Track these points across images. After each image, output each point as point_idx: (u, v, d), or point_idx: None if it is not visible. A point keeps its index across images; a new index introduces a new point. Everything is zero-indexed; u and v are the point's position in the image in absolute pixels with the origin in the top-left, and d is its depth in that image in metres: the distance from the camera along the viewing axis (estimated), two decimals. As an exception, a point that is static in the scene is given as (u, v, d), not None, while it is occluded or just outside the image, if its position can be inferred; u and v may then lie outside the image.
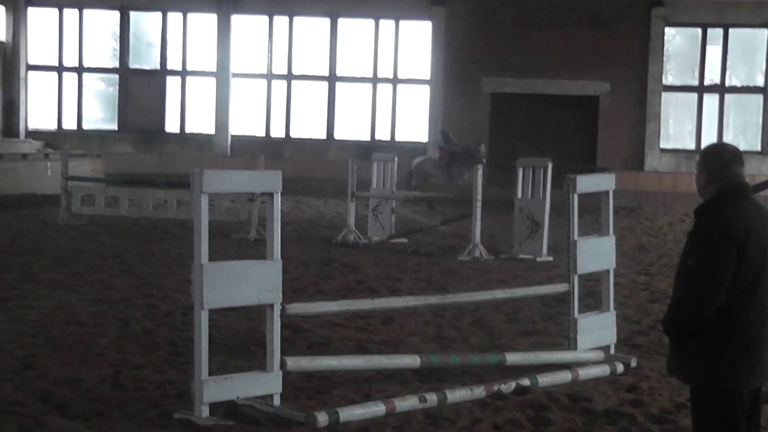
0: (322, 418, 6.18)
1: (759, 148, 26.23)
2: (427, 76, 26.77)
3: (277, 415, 6.30)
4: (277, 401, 6.45)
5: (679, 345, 4.49)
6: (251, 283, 6.32)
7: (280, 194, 6.49)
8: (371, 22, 26.97)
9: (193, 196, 6.12)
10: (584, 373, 7.63)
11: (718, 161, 4.50)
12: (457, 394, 6.83)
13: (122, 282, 11.55)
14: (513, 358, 7.63)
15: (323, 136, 27.31)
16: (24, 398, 6.60)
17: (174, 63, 27.72)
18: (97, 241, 15.21)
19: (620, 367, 7.88)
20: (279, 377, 6.46)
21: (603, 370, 7.77)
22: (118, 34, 27.80)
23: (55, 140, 26.71)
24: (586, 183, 8.15)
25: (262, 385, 6.40)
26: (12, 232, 16.03)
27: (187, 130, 27.72)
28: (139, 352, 8.08)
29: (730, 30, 26.07)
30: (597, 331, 8.17)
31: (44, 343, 8.25)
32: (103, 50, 28.11)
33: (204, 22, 27.37)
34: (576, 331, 8.02)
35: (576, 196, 8.03)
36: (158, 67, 27.83)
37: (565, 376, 7.50)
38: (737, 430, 4.38)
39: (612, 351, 8.24)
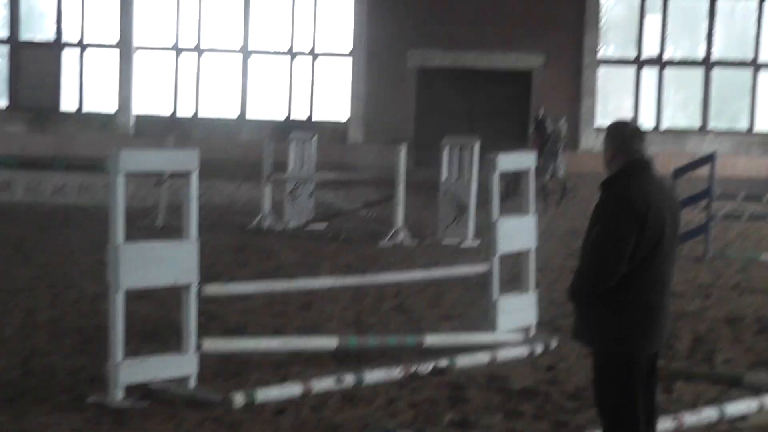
0: (239, 399, 6.84)
1: (699, 125, 27.42)
2: (349, 49, 27.40)
3: (193, 396, 6.94)
4: (193, 383, 7.08)
5: (584, 311, 5.25)
6: (167, 263, 6.93)
7: (197, 173, 7.07)
8: (288, -10, 27.56)
9: (110, 175, 6.68)
10: (503, 354, 8.39)
11: (621, 137, 5.27)
12: (374, 375, 7.54)
13: (22, 271, 12.03)
14: (432, 339, 8.37)
15: (235, 114, 27.80)
16: (-70, 386, 7.12)
17: (71, 34, 27.94)
18: (-9, 229, 15.58)
19: (540, 348, 8.65)
20: (195, 359, 7.09)
21: (522, 351, 8.54)
22: (8, 1, 27.92)
23: (-64, 118, 26.83)
24: (508, 162, 8.90)
25: (178, 366, 7.03)
26: None
27: (86, 108, 28.01)
28: (47, 340, 8.63)
29: (670, -2, 27.21)
30: (517, 312, 8.94)
31: (-54, 333, 8.75)
32: (-9, 20, 28.24)
33: (104, -10, 27.68)
34: (496, 312, 8.77)
35: (497, 175, 8.78)
36: (53, 38, 28.02)
37: (483, 357, 8.25)
38: (635, 391, 5.16)
39: (533, 332, 9.01)
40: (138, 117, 27.59)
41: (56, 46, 28.03)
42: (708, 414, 6.80)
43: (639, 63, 27.67)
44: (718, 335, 9.54)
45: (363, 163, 25.53)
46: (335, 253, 14.21)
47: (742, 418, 6.95)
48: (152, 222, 16.50)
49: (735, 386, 7.67)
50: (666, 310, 5.26)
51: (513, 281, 10.67)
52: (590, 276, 5.13)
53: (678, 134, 27.23)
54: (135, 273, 6.83)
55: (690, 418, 6.68)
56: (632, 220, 5.05)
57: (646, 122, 27.48)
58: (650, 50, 27.68)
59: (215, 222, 17.11)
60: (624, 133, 5.29)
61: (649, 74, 27.69)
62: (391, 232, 15.41)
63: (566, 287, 10.56)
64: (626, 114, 27.57)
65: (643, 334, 5.15)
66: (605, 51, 27.85)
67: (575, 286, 5.24)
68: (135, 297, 8.91)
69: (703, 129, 27.37)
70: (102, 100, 27.94)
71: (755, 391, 7.47)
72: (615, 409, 5.19)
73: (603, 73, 27.70)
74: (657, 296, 5.19)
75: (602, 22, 27.52)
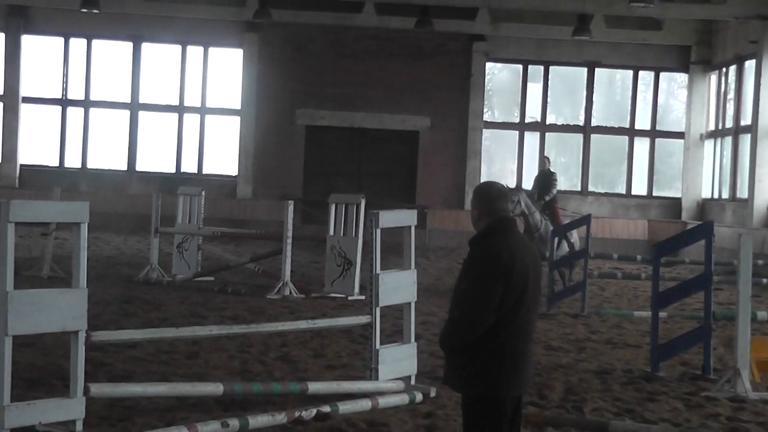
0: (125, 442, 7.02)
1: (579, 188, 28.37)
2: (238, 106, 27.72)
3: (80, 440, 7.10)
4: (79, 427, 7.24)
5: (453, 358, 5.62)
6: (56, 310, 7.11)
7: (87, 225, 7.28)
8: (178, 47, 27.79)
9: (0, 225, 6.86)
10: (384, 402, 8.73)
11: (487, 197, 5.69)
12: (259, 420, 7.80)
13: None
14: (315, 387, 8.67)
15: (124, 167, 27.79)
16: None
17: (-45, 84, 27.68)
18: None
19: (419, 396, 9.01)
20: (82, 403, 7.27)
21: (402, 399, 8.89)
22: None
23: None
24: (388, 218, 9.30)
25: (66, 410, 7.20)
26: None
27: (-30, 157, 27.67)
28: (-69, 386, 8.64)
29: (551, 67, 28.24)
30: (398, 362, 9.29)
31: None
32: None
33: (-10, 40, 27.49)
34: (378, 361, 9.11)
35: (379, 231, 9.17)
36: (-65, 88, 27.73)
37: (365, 404, 8.57)
38: (500, 433, 5.53)
39: (413, 381, 9.37)
40: (23, 167, 27.37)
41: (-60, 95, 27.71)
42: (574, 457, 7.21)
43: (522, 127, 28.56)
44: (588, 386, 10.01)
45: (252, 218, 25.80)
46: (222, 306, 14.39)
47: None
48: (38, 272, 16.45)
49: (601, 432, 8.12)
50: (529, 357, 5.66)
51: (394, 334, 11.07)
52: (460, 325, 5.51)
53: (560, 196, 28.08)
54: (24, 319, 6.99)
55: (557, 460, 7.07)
56: (498, 273, 5.46)
57: (529, 184, 28.33)
58: (533, 115, 28.62)
59: (102, 273, 17.14)
60: (490, 194, 5.72)
61: (532, 138, 28.57)
62: (279, 285, 15.67)
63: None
64: (511, 175, 28.35)
65: (508, 379, 5.54)
66: (491, 115, 28.72)
67: (446, 335, 5.62)
68: (20, 345, 9.03)
69: (583, 191, 28.33)
70: (-14, 151, 27.66)
71: (619, 436, 7.92)
72: (482, 450, 5.55)
73: (488, 135, 28.53)
74: (521, 344, 5.58)
75: (488, 87, 28.39)
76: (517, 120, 28.67)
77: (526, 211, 16.99)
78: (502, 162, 29.40)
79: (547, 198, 18.07)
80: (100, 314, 12.89)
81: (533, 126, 28.53)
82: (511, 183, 28.17)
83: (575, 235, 17.39)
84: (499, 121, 28.92)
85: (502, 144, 29.11)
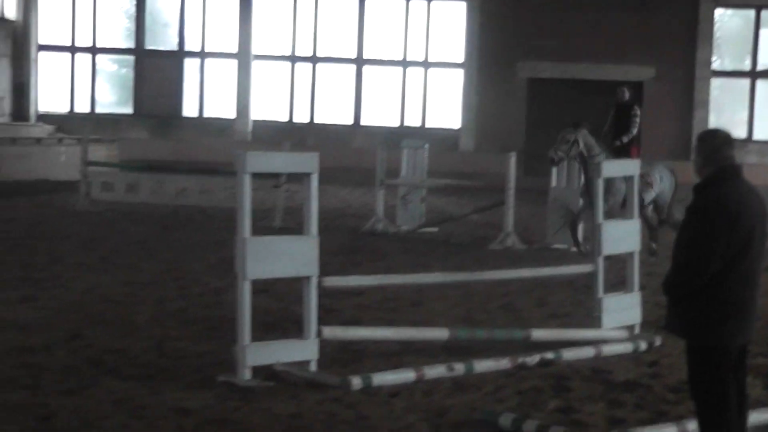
0: (357, 381, 7.35)
1: (812, 139, 27.15)
2: (461, 60, 27.85)
3: (314, 379, 7.47)
4: (313, 367, 7.61)
5: (677, 305, 5.63)
6: (290, 256, 7.50)
7: (316, 175, 7.60)
8: (402, 1, 28.12)
9: (237, 174, 7.27)
10: (608, 349, 8.74)
11: (711, 145, 5.64)
12: (483, 365, 7.98)
13: (150, 266, 12.75)
14: (538, 334, 8.77)
15: (349, 122, 28.46)
16: (76, 363, 7.81)
17: (192, 44, 28.95)
18: (118, 228, 16.42)
19: (643, 345, 8.97)
20: (316, 344, 7.64)
21: (626, 347, 8.88)
22: (134, 12, 29.04)
23: (66, 124, 28.00)
24: (611, 168, 9.27)
25: (300, 351, 7.59)
26: (31, 218, 17.29)
27: (206, 114, 28.94)
28: (176, 327, 9.29)
29: (785, 12, 27.03)
30: (622, 311, 9.28)
31: (85, 319, 9.48)
32: (117, 30, 29.37)
33: (224, 1, 28.57)
34: (600, 310, 9.13)
35: (601, 181, 9.15)
36: (176, 48, 29.08)
37: (588, 351, 8.62)
38: (725, 381, 5.51)
39: (637, 331, 9.33)
40: (255, 123, 28.44)
41: (178, 55, 29.04)
42: (806, 408, 7.04)
43: (753, 75, 27.51)
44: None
45: (474, 170, 25.92)
46: (446, 256, 14.63)
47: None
48: (270, 223, 17.13)
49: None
50: (754, 305, 5.60)
51: (619, 284, 11.00)
52: (684, 272, 5.51)
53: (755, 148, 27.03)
54: (261, 264, 7.40)
55: (788, 412, 6.93)
56: (724, 220, 5.42)
57: (760, 134, 27.35)
58: (766, 62, 27.50)
59: (329, 225, 17.63)
60: (714, 142, 5.66)
61: (764, 87, 27.51)
62: (501, 236, 15.78)
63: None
64: (740, 125, 27.42)
65: (731, 326, 5.50)
66: (720, 63, 27.77)
67: (670, 282, 5.64)
68: (256, 291, 9.52)
69: (817, 142, 27.12)
70: (221, 107, 28.86)
71: None
72: (708, 398, 5.54)
73: (716, 85, 27.62)
74: (746, 291, 5.54)
75: (716, 35, 27.41)
76: (748, 68, 27.63)
77: (585, 153, 14.36)
78: (731, 112, 28.41)
79: (626, 139, 15.70)
80: (328, 263, 13.31)
81: (766, 74, 27.42)
82: (742, 133, 27.34)
83: (660, 183, 14.67)
84: (729, 69, 27.93)
85: (732, 93, 28.12)
